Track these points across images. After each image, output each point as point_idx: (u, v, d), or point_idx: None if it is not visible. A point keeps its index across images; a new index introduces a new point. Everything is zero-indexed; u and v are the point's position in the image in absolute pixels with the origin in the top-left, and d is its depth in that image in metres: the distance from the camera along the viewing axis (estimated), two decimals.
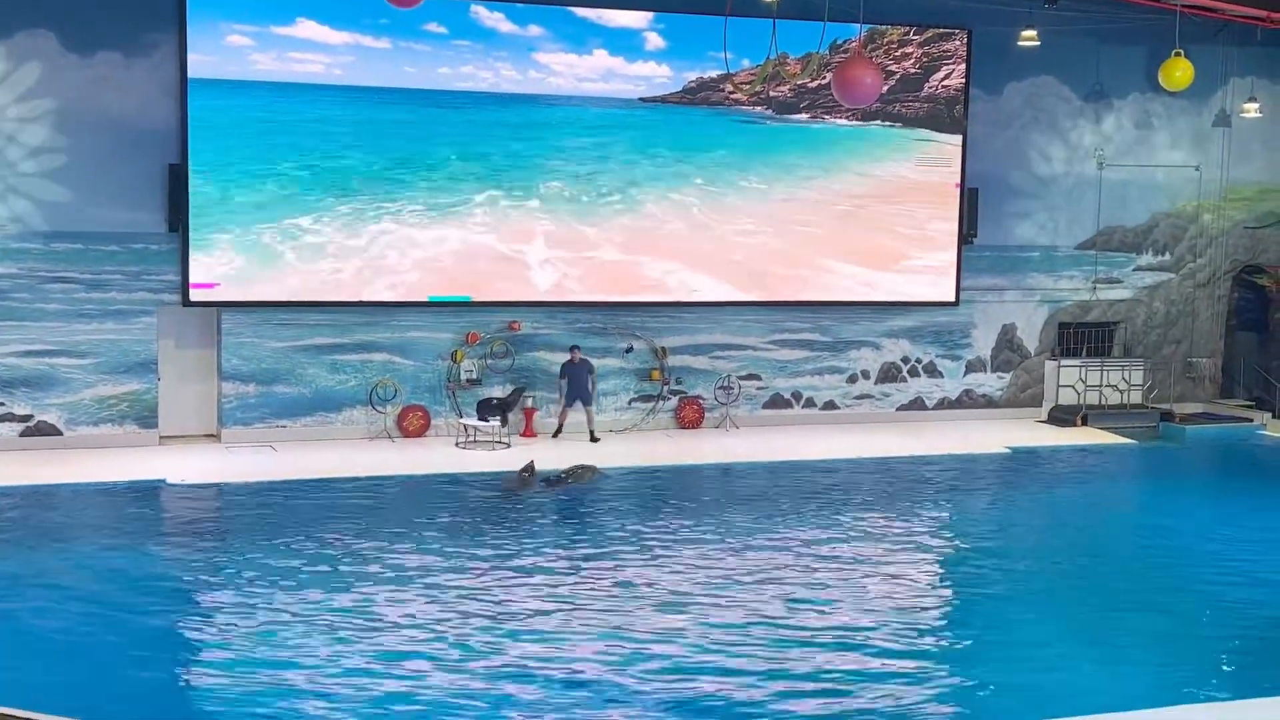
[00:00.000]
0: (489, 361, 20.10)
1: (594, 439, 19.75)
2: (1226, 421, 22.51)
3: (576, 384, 19.87)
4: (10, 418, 18.15)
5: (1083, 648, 11.32)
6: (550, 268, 20.09)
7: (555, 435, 19.98)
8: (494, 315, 20.06)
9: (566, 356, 20.06)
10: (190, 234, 18.44)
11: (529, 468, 17.49)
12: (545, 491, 16.82)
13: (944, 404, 22.61)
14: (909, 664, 10.93)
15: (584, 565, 13.46)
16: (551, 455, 18.38)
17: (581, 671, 10.59)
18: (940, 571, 14.14)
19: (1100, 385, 22.55)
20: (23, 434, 18.17)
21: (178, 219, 18.41)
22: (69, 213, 18.17)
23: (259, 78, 18.62)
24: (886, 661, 10.95)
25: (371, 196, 19.27)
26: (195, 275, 18.53)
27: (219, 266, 18.64)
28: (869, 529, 15.31)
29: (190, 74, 18.25)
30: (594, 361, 20.30)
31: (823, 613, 12.16)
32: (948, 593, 13.44)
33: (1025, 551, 14.75)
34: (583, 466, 17.58)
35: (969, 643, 11.63)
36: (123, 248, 18.44)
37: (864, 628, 11.77)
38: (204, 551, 13.79)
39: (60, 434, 18.29)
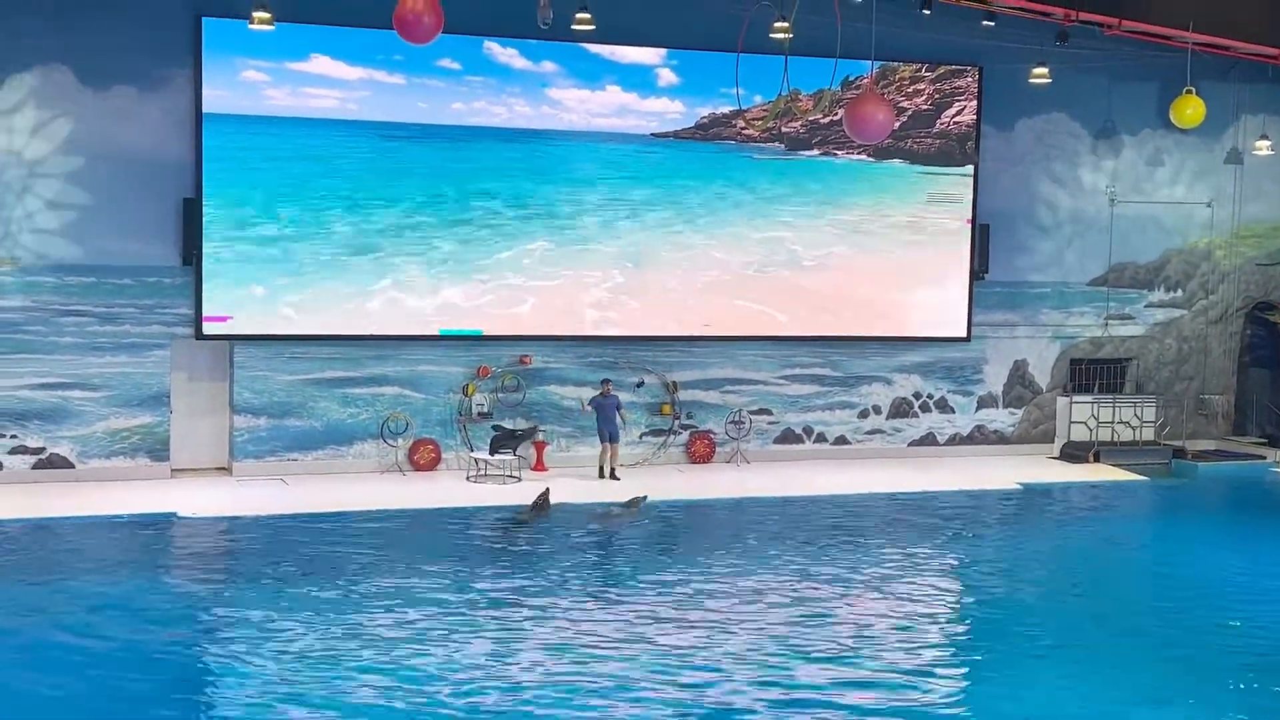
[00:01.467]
0: (500, 395, 20.14)
1: (614, 477, 19.56)
2: (1239, 459, 22.42)
3: (604, 419, 19.72)
4: (22, 450, 18.20)
5: (1102, 688, 11.25)
6: (561, 302, 20.14)
7: (603, 476, 19.55)
8: (505, 349, 20.12)
9: (595, 390, 19.97)
10: (204, 267, 18.54)
11: (543, 496, 17.47)
12: (617, 519, 17.05)
13: (955, 439, 22.60)
14: (919, 703, 10.87)
15: (598, 603, 13.41)
16: (585, 489, 18.41)
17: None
18: (951, 609, 14.06)
19: (1112, 422, 22.49)
20: (35, 466, 18.22)
21: (191, 252, 18.52)
22: (83, 246, 18.28)
23: (273, 112, 18.76)
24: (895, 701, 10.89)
25: (383, 229, 19.37)
26: (208, 308, 18.62)
27: (232, 300, 18.73)
28: (880, 565, 15.24)
29: (205, 108, 18.40)
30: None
31: (834, 650, 12.11)
32: (959, 630, 13.34)
33: (1037, 589, 14.67)
34: (638, 498, 17.67)
35: (979, 684, 11.56)
36: (136, 281, 18.54)
37: (876, 667, 11.72)
38: (214, 585, 13.79)
39: (72, 466, 18.34)
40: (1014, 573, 15.39)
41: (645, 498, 17.76)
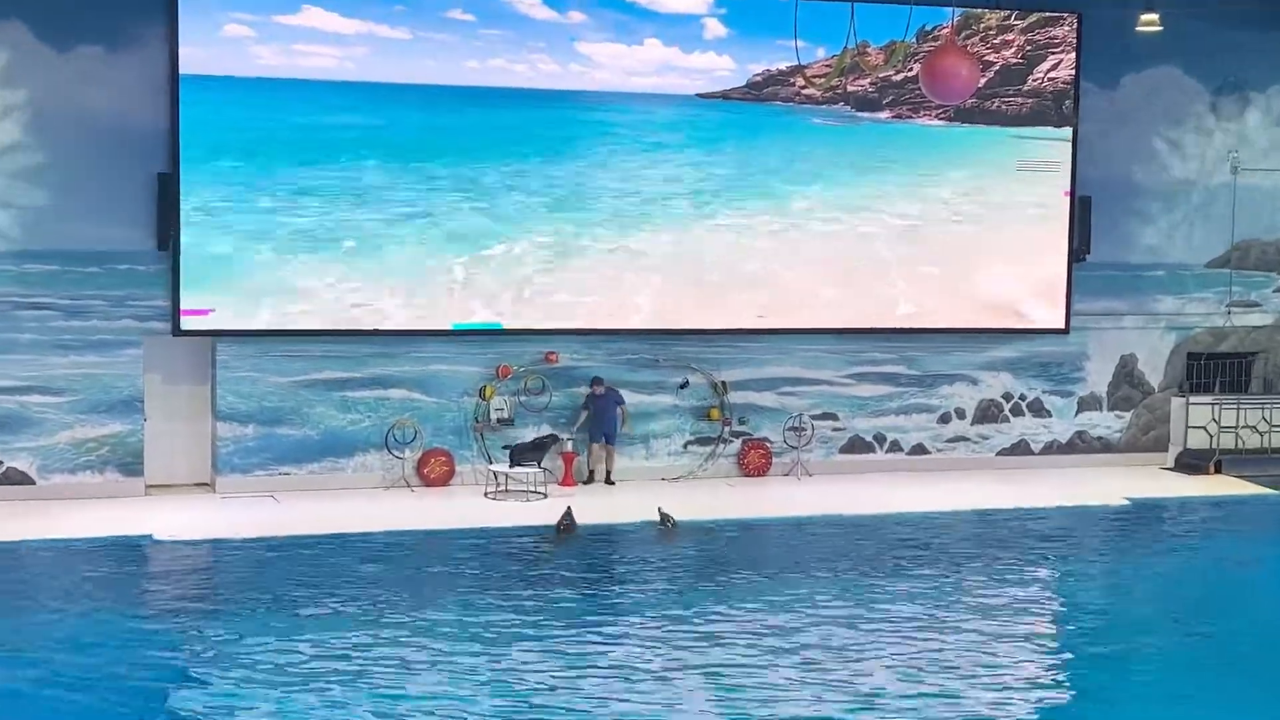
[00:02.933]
0: (522, 399, 20.15)
1: (609, 482, 19.87)
2: None
3: (601, 418, 19.92)
4: None
5: None
6: (593, 290, 20.14)
7: (589, 481, 20.12)
8: (528, 345, 20.12)
9: (595, 391, 20.14)
10: (182, 253, 18.57)
11: (567, 516, 17.52)
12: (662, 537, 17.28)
13: (1052, 448, 22.48)
14: None
15: (636, 641, 13.40)
16: (606, 503, 18.43)
17: None
18: (1050, 648, 13.98)
19: (1236, 427, 22.34)
20: None
21: (167, 236, 18.53)
22: (44, 230, 18.34)
23: (260, 73, 18.78)
24: None
25: (388, 208, 19.40)
26: (187, 300, 18.64)
27: (214, 290, 18.76)
28: (967, 597, 15.17)
29: (182, 69, 18.41)
30: (643, 399, 20.41)
31: (918, 695, 12.07)
32: (1060, 676, 13.26)
33: (1150, 625, 14.56)
34: (669, 516, 17.86)
35: None
36: (105, 269, 18.59)
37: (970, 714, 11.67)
38: (196, 619, 13.81)
39: (32, 483, 18.42)
40: (1123, 604, 15.33)
41: (673, 522, 17.80)
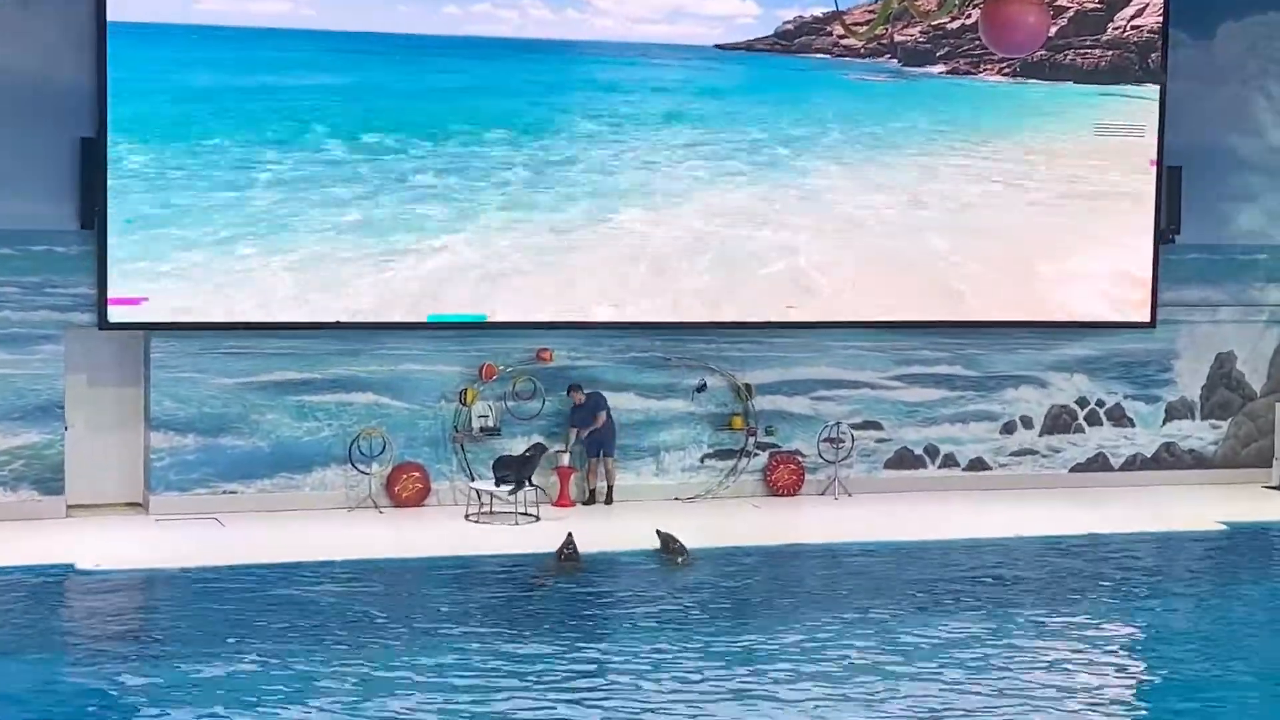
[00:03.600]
0: (510, 404, 20.02)
1: (608, 501, 20.08)
2: None
3: (593, 431, 20.03)
4: None
5: None
6: (593, 276, 20.08)
7: (589, 502, 20.20)
8: (517, 341, 20.09)
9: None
10: (109, 232, 18.51)
11: (569, 545, 17.40)
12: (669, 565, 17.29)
13: (1135, 463, 22.51)
14: None
15: (653, 690, 13.26)
16: (605, 527, 18.36)
17: None
18: (1130, 705, 13.83)
19: None
20: None
21: (93, 212, 18.50)
22: None
23: (202, 20, 18.81)
24: None
25: (353, 181, 19.31)
26: (116, 288, 18.58)
27: (148, 276, 18.68)
28: (1036, 639, 15.08)
29: (110, 17, 18.35)
30: (651, 405, 20.46)
31: None
32: None
33: (1254, 677, 14.34)
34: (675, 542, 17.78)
35: None
36: (17, 250, 18.59)
37: None
38: (124, 664, 13.64)
39: None
40: (1218, 652, 15.12)
41: (684, 553, 17.68)
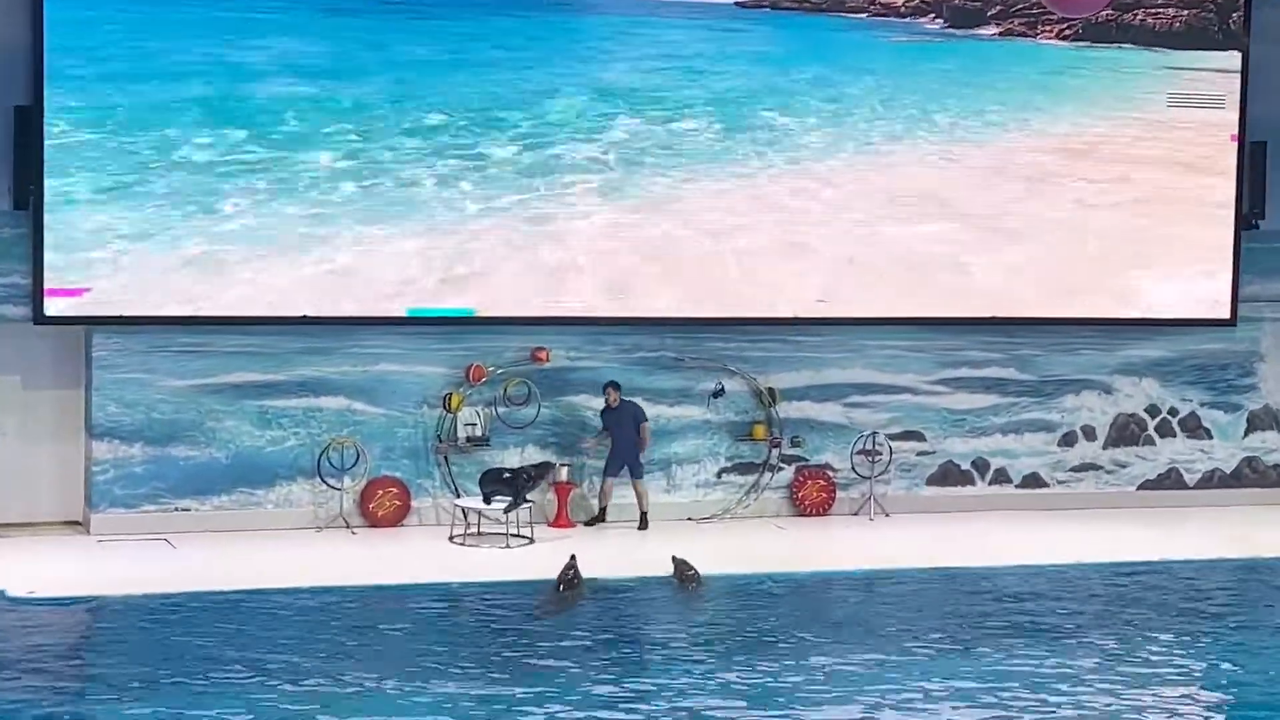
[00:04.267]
0: (501, 410, 20.13)
1: (643, 525, 19.93)
2: None
3: (619, 443, 19.89)
4: None
5: None
6: (596, 265, 20.16)
7: (595, 521, 20.17)
8: (508, 339, 20.19)
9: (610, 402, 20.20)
10: (46, 213, 18.58)
11: (571, 569, 17.43)
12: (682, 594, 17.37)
13: (1213, 479, 22.61)
14: None
15: None
16: (610, 551, 18.41)
17: None
18: None
19: None
20: None
21: (27, 190, 18.58)
22: None
23: None
24: None
25: (321, 153, 19.40)
26: (53, 277, 18.66)
27: (90, 264, 18.76)
28: (1099, 679, 15.03)
29: None
30: (663, 412, 20.54)
31: None
32: None
33: None
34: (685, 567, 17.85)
35: None
36: None
37: None
38: (59, 704, 13.67)
39: None
40: None
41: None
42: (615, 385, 20.03)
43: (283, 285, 19.36)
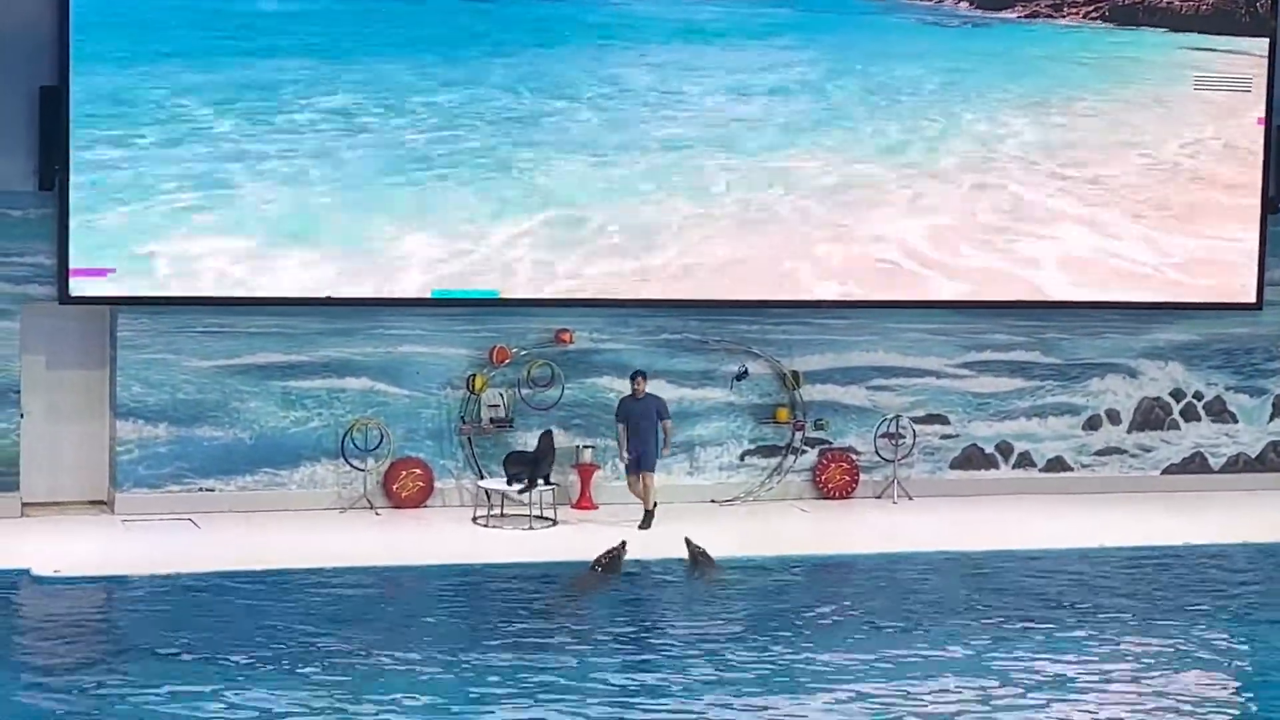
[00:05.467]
0: (524, 392, 20.12)
1: (646, 523, 19.28)
2: None
3: (638, 436, 19.48)
4: None
5: None
6: (620, 247, 20.14)
7: (646, 523, 19.34)
8: (531, 320, 20.18)
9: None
10: (72, 193, 18.58)
11: (613, 552, 17.46)
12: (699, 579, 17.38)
13: (1239, 464, 22.58)
14: None
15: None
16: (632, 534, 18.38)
17: None
18: None
19: None
20: None
21: (53, 171, 18.57)
22: None
23: None
24: None
25: (345, 133, 19.38)
26: (79, 257, 18.66)
27: (115, 244, 18.76)
28: (1120, 664, 15.04)
29: None
30: (686, 395, 20.49)
31: None
32: None
33: None
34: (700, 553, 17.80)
35: None
36: None
37: None
38: (85, 683, 13.64)
39: None
40: None
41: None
42: (643, 375, 19.82)
43: (308, 266, 19.32)
